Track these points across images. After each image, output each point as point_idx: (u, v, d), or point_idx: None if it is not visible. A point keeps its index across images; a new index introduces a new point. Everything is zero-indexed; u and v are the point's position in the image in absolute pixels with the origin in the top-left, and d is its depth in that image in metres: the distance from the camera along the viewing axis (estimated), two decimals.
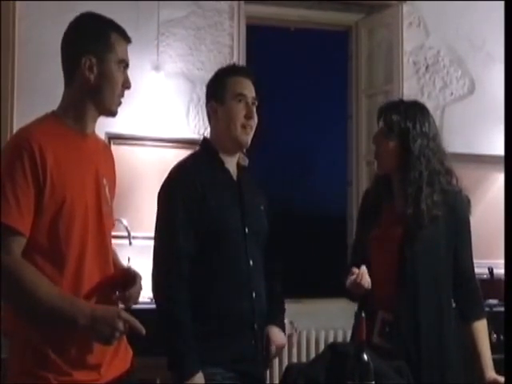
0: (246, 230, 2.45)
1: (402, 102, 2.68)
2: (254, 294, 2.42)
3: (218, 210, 2.40)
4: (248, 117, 2.46)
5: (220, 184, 2.46)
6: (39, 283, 1.85)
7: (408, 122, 2.49)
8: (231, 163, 2.52)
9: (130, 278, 2.07)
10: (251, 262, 2.44)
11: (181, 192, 2.39)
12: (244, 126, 2.45)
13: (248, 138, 2.48)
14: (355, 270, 2.41)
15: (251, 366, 2.43)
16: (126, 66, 2.07)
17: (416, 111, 2.54)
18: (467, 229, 2.55)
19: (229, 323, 2.39)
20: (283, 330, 2.55)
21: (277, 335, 2.50)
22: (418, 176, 2.46)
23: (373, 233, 2.55)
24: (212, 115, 2.52)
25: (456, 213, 2.51)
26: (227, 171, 2.50)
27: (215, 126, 2.52)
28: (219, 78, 2.52)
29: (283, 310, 2.61)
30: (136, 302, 2.09)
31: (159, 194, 2.46)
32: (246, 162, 2.59)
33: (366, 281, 2.40)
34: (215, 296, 2.39)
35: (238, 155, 2.55)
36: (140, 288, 2.09)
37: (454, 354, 2.46)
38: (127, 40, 2.07)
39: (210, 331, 2.37)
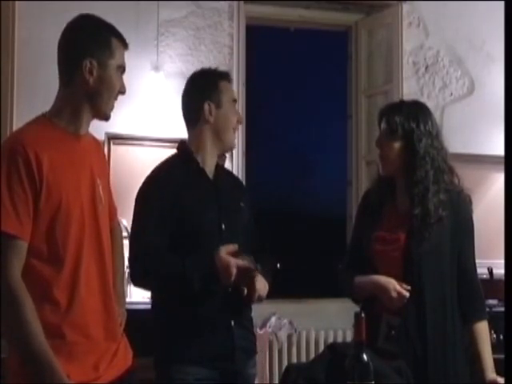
0: (223, 226, 2.50)
1: (402, 102, 2.68)
2: (229, 291, 2.44)
3: (191, 208, 2.46)
4: (239, 121, 2.66)
5: (194, 183, 2.52)
6: (33, 323, 1.83)
7: (411, 123, 2.48)
8: (209, 163, 2.58)
9: None
10: None
11: (154, 192, 2.48)
12: (234, 130, 2.63)
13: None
14: (399, 286, 2.41)
15: (229, 364, 2.46)
16: (123, 71, 2.08)
17: (418, 111, 2.53)
18: (470, 229, 2.54)
19: (203, 322, 2.42)
20: (267, 280, 2.52)
21: (259, 282, 2.45)
22: (424, 175, 2.45)
23: (375, 234, 2.53)
24: (206, 116, 2.56)
25: (459, 213, 2.50)
26: (202, 171, 2.56)
27: (205, 127, 2.57)
28: (213, 81, 2.59)
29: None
30: None
31: (136, 195, 2.55)
32: (224, 160, 2.68)
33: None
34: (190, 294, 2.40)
35: (216, 155, 2.63)
36: None
37: (460, 354, 2.45)
38: (126, 46, 2.08)
39: (185, 330, 2.41)
